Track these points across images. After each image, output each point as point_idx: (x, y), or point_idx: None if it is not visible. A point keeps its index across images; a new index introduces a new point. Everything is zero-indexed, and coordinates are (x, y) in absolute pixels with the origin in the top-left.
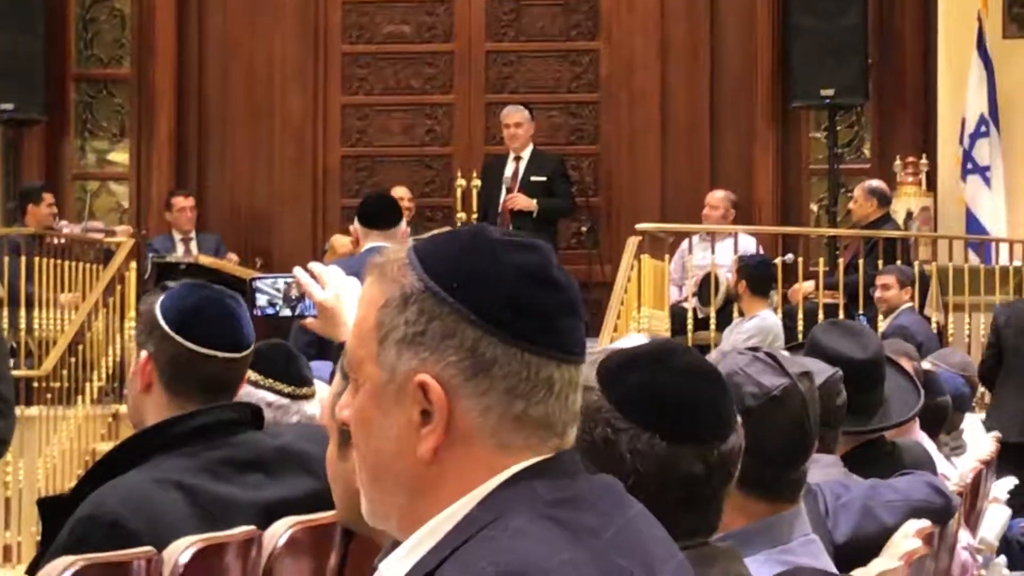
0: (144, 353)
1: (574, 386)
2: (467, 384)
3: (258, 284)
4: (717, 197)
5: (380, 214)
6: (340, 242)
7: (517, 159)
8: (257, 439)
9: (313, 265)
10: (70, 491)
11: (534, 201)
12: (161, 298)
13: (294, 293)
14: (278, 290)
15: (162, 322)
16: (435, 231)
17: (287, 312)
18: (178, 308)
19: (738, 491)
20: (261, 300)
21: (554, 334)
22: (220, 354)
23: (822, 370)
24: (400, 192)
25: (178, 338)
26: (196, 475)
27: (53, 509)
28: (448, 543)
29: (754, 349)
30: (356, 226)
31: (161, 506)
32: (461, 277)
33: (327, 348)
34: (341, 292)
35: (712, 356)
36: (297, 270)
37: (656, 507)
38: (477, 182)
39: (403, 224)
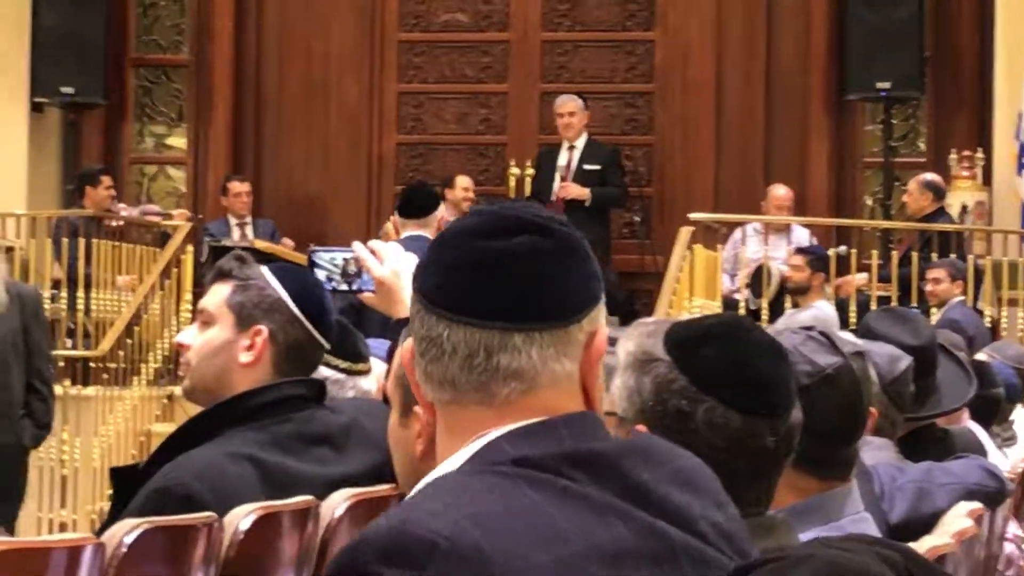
0: (264, 329)
1: (548, 343)
2: (432, 365)
3: (316, 258)
4: (782, 196)
5: (415, 204)
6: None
7: (571, 148)
8: (324, 415)
9: (373, 242)
10: (144, 462)
11: (587, 190)
12: (278, 278)
13: (352, 268)
14: (336, 265)
15: (292, 306)
16: None
17: (344, 287)
18: (309, 296)
19: (790, 467)
20: (319, 274)
21: (443, 291)
22: (328, 345)
23: (899, 357)
24: (464, 182)
25: (308, 325)
26: (266, 449)
27: (125, 479)
28: None
29: (808, 328)
30: (395, 216)
31: (232, 479)
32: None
33: (364, 321)
34: (399, 269)
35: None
36: (356, 245)
37: (725, 478)
38: (531, 171)
39: (440, 212)
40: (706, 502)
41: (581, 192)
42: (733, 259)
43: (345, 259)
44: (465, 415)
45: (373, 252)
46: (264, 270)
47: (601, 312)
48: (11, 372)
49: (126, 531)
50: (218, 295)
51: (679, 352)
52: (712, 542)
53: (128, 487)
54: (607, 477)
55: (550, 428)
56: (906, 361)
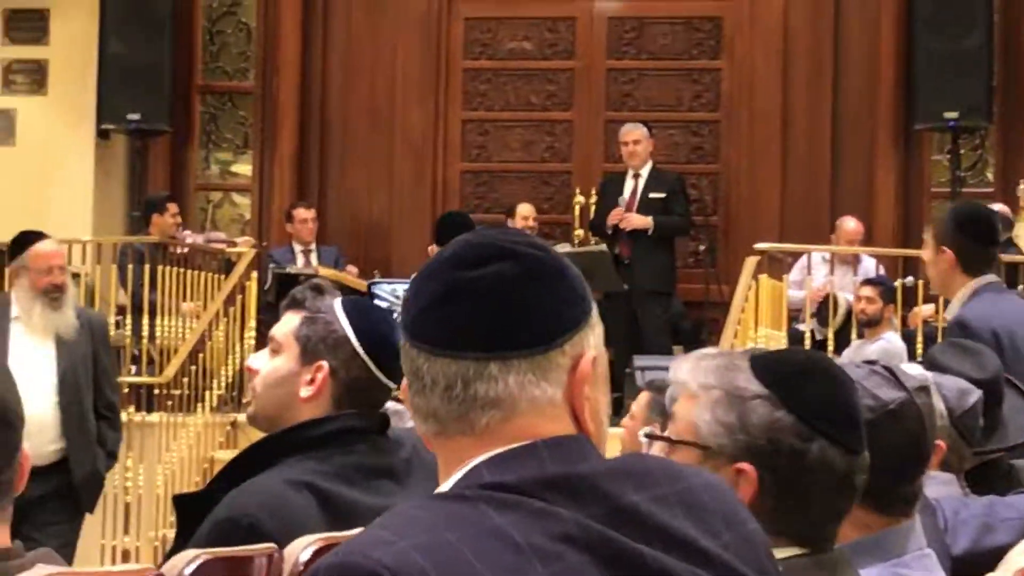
0: (325, 365)
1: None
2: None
3: (377, 289)
4: (852, 229)
5: (449, 233)
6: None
7: (636, 176)
8: (386, 446)
9: None
10: (205, 489)
11: (649, 219)
12: (346, 313)
13: None
14: (397, 297)
15: (356, 344)
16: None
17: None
18: (373, 332)
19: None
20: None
21: (419, 325)
22: (395, 386)
23: (969, 391)
24: (524, 210)
25: (371, 364)
26: (328, 479)
27: (189, 506)
28: None
29: (871, 362)
30: (433, 247)
31: (295, 509)
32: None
33: None
34: None
35: None
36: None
37: (823, 516)
38: (596, 199)
39: None
40: (713, 521)
41: (644, 222)
42: (801, 275)
43: (405, 290)
44: (450, 445)
45: None
46: (336, 304)
47: (588, 335)
48: (84, 400)
49: (186, 562)
50: (288, 325)
51: (783, 389)
52: (715, 563)
53: (192, 514)
54: (590, 500)
55: (531, 452)
56: (976, 395)
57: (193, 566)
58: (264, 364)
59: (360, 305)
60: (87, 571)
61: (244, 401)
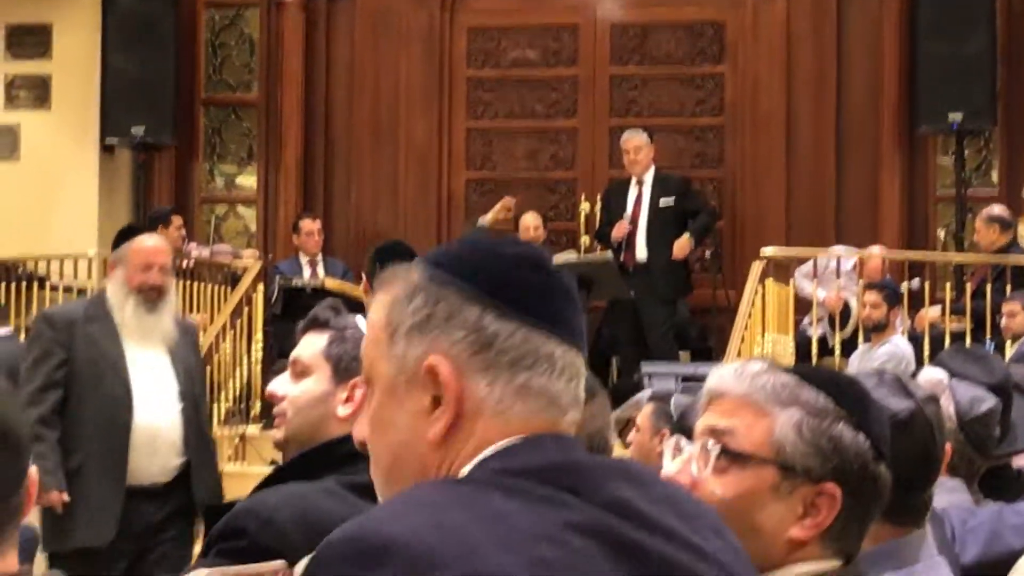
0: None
1: (577, 371)
2: (474, 359)
3: None
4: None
5: (386, 261)
6: (499, 211)
7: (640, 183)
8: None
9: None
10: (239, 502)
11: (686, 237)
12: None
13: None
14: None
15: None
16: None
17: None
18: None
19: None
20: None
21: (552, 313)
22: None
23: (984, 398)
24: (530, 220)
25: None
26: (356, 492)
27: (218, 518)
28: None
29: (879, 372)
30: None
31: (317, 512)
32: (462, 261)
33: None
34: None
35: None
36: None
37: (860, 536)
38: (600, 207)
39: None
40: (702, 527)
41: (683, 250)
42: (809, 275)
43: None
44: (479, 426)
45: None
46: (359, 320)
47: None
48: (202, 411)
49: None
50: (314, 346)
51: (856, 409)
52: (711, 560)
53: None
54: (590, 489)
55: (537, 443)
56: (989, 403)
57: None
58: (290, 389)
59: None
60: None
61: (275, 425)
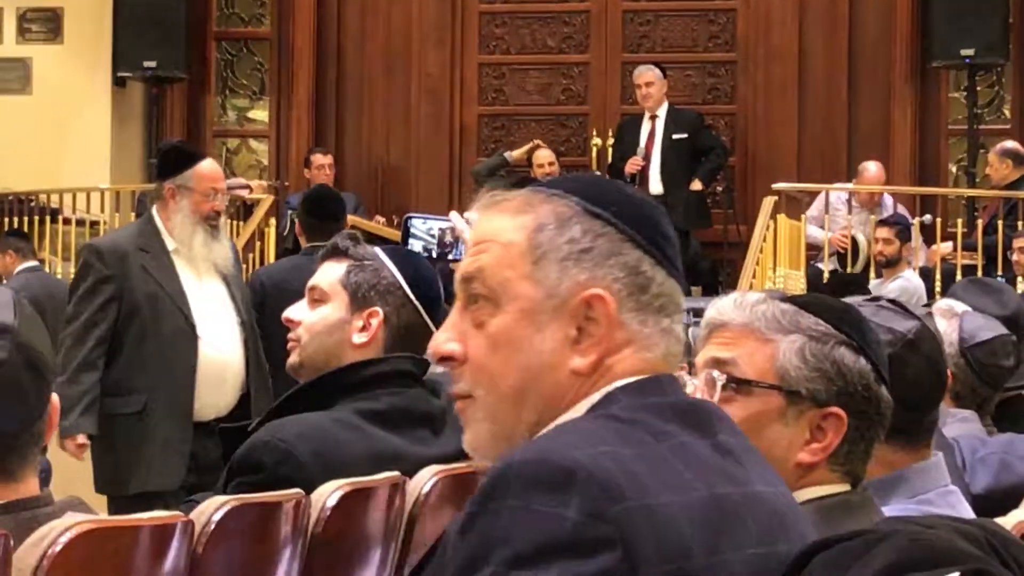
0: (379, 311)
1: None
2: (629, 299)
3: (412, 227)
4: (874, 175)
5: (320, 209)
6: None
7: (653, 118)
8: (426, 396)
9: (470, 213)
10: (255, 424)
11: (696, 182)
12: (392, 260)
13: (448, 238)
14: (432, 235)
15: (408, 290)
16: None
17: (444, 255)
18: (422, 279)
19: (882, 443)
20: (415, 246)
21: (679, 265)
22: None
23: (992, 327)
24: (543, 156)
25: (422, 310)
26: (375, 421)
27: (233, 438)
28: None
29: (875, 299)
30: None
31: (335, 444)
32: (615, 203)
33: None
34: None
35: None
36: (453, 215)
37: (865, 459)
38: (613, 142)
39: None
40: (757, 460)
41: (696, 188)
42: (819, 219)
43: (441, 229)
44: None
45: (469, 223)
46: (379, 251)
47: None
48: (259, 341)
49: (214, 509)
50: (332, 273)
51: (856, 334)
52: (779, 496)
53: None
54: (705, 430)
55: (658, 383)
56: (993, 332)
57: (221, 512)
58: (306, 314)
59: (403, 252)
60: (116, 519)
61: (288, 348)
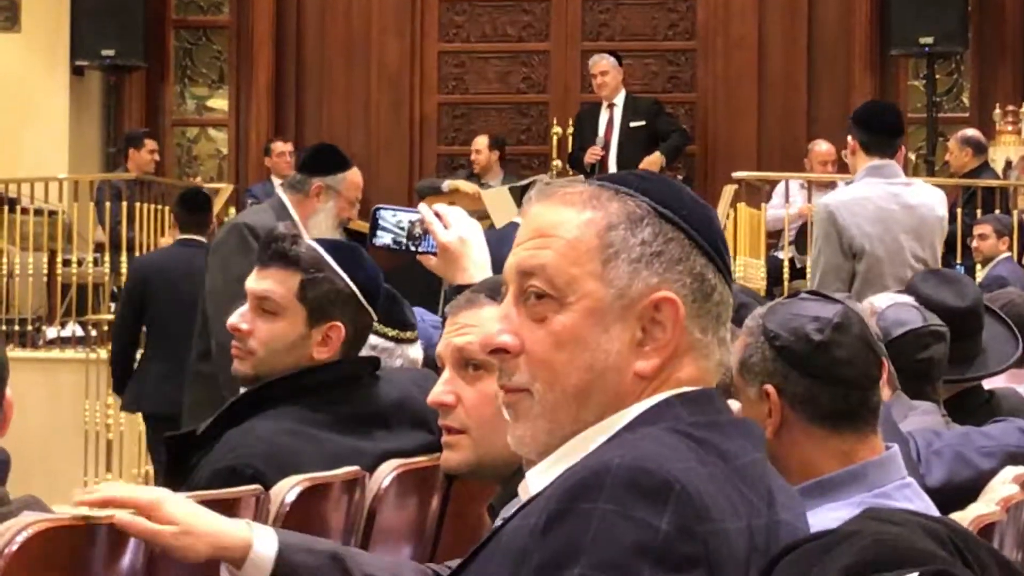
0: (339, 325)
1: None
2: (693, 305)
3: (381, 218)
4: (825, 151)
5: (189, 208)
6: (465, 187)
7: (611, 107)
8: (377, 394)
9: (439, 206)
10: (202, 429)
11: (657, 155)
12: (340, 265)
13: (417, 231)
14: (402, 228)
15: (361, 297)
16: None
17: (412, 249)
18: (371, 281)
19: (825, 429)
20: (384, 238)
21: (732, 277)
22: (391, 332)
23: (907, 322)
24: (479, 142)
25: (371, 310)
26: (324, 428)
27: (180, 446)
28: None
29: (795, 293)
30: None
31: (298, 457)
32: (685, 206)
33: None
34: (465, 235)
35: (763, 310)
36: (423, 207)
37: None
38: (572, 131)
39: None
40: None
41: (656, 161)
42: (779, 207)
43: (411, 221)
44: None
45: (439, 216)
46: (324, 254)
47: None
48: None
49: None
50: (285, 286)
51: None
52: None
53: (183, 453)
54: (746, 448)
55: (711, 397)
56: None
57: None
58: (258, 325)
59: (345, 250)
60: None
61: (236, 356)
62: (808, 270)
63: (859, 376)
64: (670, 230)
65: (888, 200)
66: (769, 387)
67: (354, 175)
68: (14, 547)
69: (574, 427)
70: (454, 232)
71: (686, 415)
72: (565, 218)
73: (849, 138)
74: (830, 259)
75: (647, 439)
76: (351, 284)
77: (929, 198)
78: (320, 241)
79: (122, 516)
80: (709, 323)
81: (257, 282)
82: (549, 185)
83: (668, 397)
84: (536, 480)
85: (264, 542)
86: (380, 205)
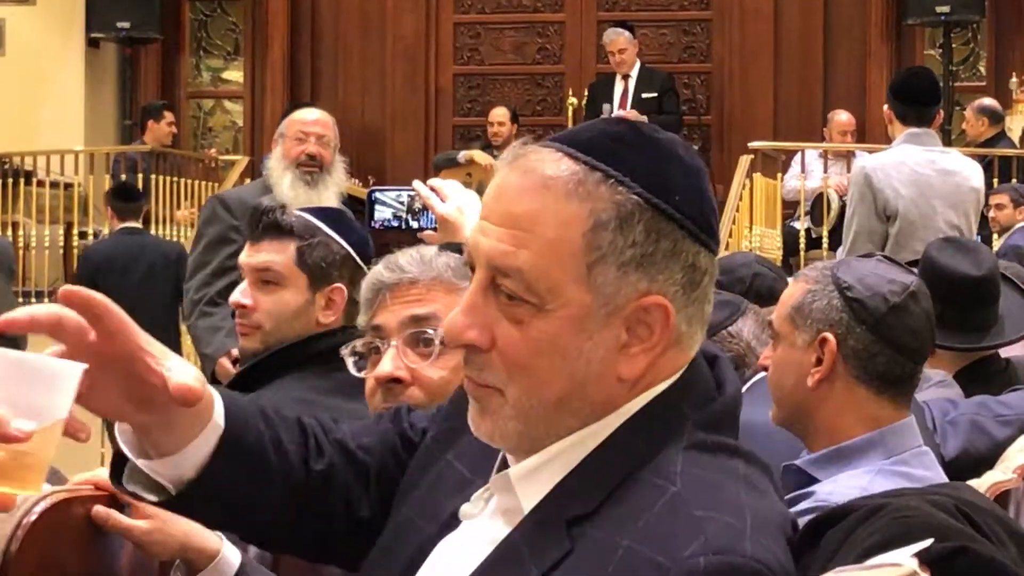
0: (341, 286)
1: None
2: (682, 297)
3: (378, 197)
4: (845, 121)
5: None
6: (480, 158)
7: (626, 78)
8: None
9: (433, 180)
10: None
11: (644, 118)
12: (333, 228)
13: (417, 205)
14: (402, 203)
15: (356, 256)
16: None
17: (414, 225)
18: (362, 241)
19: (870, 391)
20: (384, 213)
21: (719, 238)
22: None
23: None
24: (496, 114)
25: (366, 269)
26: (331, 395)
27: None
28: (595, 472)
29: (870, 255)
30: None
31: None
32: (679, 187)
33: None
34: (462, 205)
35: (831, 263)
36: (416, 183)
37: None
38: (586, 102)
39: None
40: None
41: (638, 118)
42: (796, 178)
43: (410, 195)
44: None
45: (434, 190)
46: (316, 222)
47: None
48: None
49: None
50: (283, 255)
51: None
52: None
53: None
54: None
55: (696, 373)
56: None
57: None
58: (261, 299)
59: (333, 215)
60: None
61: (242, 334)
62: (824, 240)
63: (919, 348)
64: (663, 223)
65: (925, 166)
66: (828, 335)
67: (294, 114)
68: (32, 517)
69: (553, 432)
70: (451, 203)
71: (687, 410)
72: (545, 209)
73: (885, 107)
74: (863, 222)
75: (730, 506)
76: (346, 245)
77: (965, 168)
78: (307, 209)
79: (98, 509)
80: (696, 310)
81: (253, 256)
82: (528, 150)
83: (662, 392)
84: (527, 488)
85: (231, 550)
86: (373, 187)
